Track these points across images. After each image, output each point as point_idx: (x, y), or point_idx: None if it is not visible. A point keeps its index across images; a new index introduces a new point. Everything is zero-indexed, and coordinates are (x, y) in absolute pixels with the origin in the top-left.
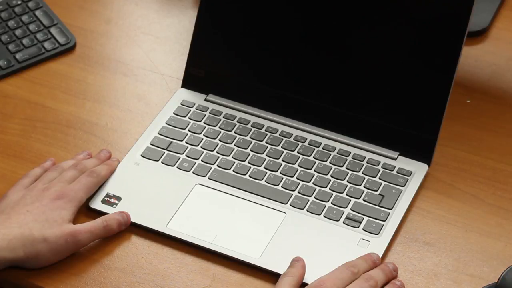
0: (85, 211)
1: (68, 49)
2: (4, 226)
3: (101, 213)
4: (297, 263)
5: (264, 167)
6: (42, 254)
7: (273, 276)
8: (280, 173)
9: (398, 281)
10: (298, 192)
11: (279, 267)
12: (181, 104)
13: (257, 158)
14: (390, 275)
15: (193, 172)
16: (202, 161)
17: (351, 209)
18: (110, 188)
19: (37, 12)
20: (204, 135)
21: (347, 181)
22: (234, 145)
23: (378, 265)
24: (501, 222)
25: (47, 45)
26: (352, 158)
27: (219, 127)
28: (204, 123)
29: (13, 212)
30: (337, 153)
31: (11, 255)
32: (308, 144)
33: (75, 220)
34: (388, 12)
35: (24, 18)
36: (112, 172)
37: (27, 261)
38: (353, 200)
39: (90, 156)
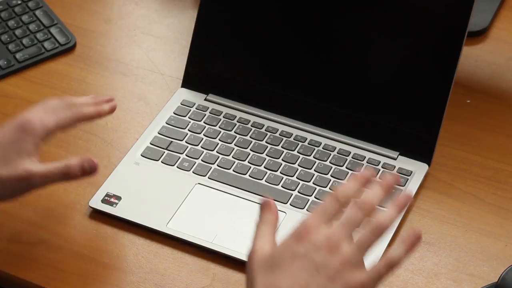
0: (85, 211)
1: (68, 49)
2: None
3: (101, 213)
4: (269, 205)
5: (264, 167)
6: None
7: None
8: (280, 172)
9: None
10: (298, 192)
11: None
12: (181, 104)
13: (257, 157)
14: (389, 187)
15: (193, 172)
16: (202, 160)
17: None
18: (110, 187)
19: (37, 12)
20: (204, 134)
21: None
22: (234, 144)
23: (371, 181)
24: (501, 222)
25: (47, 45)
26: (352, 157)
27: (219, 127)
28: (204, 122)
29: None
30: (337, 152)
31: None
32: (308, 144)
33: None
34: (388, 12)
35: (24, 18)
36: (98, 115)
37: None
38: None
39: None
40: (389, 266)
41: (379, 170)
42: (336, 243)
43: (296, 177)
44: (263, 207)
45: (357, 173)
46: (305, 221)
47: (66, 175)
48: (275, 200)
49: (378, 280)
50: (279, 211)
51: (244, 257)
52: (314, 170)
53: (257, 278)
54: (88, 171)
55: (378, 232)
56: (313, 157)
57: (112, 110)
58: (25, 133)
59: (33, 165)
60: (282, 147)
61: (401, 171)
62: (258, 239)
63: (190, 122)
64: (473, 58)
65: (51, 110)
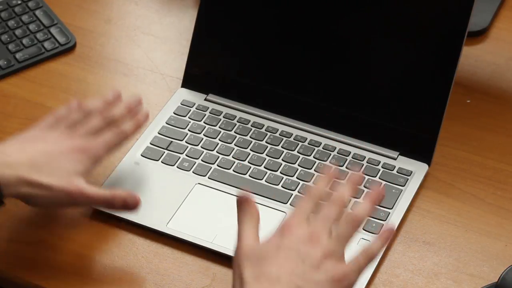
0: (85, 211)
1: (68, 49)
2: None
3: (101, 213)
4: (247, 201)
5: (264, 167)
6: (43, 199)
7: None
8: (280, 172)
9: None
10: (298, 192)
11: None
12: (181, 104)
13: (257, 157)
14: (356, 183)
15: (193, 172)
16: (202, 160)
17: (351, 209)
18: (110, 187)
19: (37, 12)
20: (204, 134)
21: None
22: (234, 144)
23: (334, 177)
24: (501, 222)
25: (47, 45)
26: (352, 157)
27: (219, 127)
28: (204, 122)
29: (31, 147)
30: (337, 152)
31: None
32: (308, 143)
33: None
34: (388, 12)
35: (24, 18)
36: (138, 129)
37: (27, 198)
38: (353, 199)
39: (119, 100)
40: (368, 258)
41: (379, 170)
42: (317, 236)
43: (296, 177)
44: (241, 202)
45: (322, 174)
46: (286, 220)
47: (109, 205)
48: (275, 200)
49: (359, 271)
50: (278, 210)
51: None
52: (314, 170)
53: (244, 271)
54: (129, 207)
55: (356, 224)
56: (313, 157)
57: (146, 118)
58: (82, 156)
59: (85, 185)
60: (282, 147)
61: (401, 171)
62: (242, 235)
63: (190, 122)
64: (473, 58)
65: (101, 138)
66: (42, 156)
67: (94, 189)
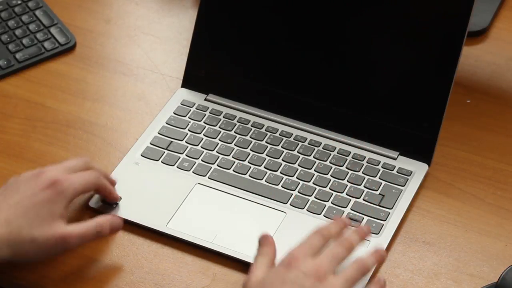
0: (84, 210)
1: (68, 49)
2: None
3: (100, 213)
4: (267, 240)
5: (264, 167)
6: (30, 254)
7: None
8: (280, 172)
9: (382, 279)
10: (298, 192)
11: None
12: (181, 104)
13: (257, 157)
14: (363, 235)
15: (193, 172)
16: (202, 160)
17: (351, 209)
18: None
19: (37, 12)
20: (204, 134)
21: (347, 181)
22: (234, 144)
23: (347, 224)
24: (501, 222)
25: (47, 45)
26: (352, 157)
27: (219, 127)
28: (204, 122)
29: (3, 203)
30: (337, 152)
31: None
32: (308, 143)
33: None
34: (389, 12)
35: (24, 18)
36: (110, 193)
37: (13, 259)
38: (353, 199)
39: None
40: None
41: (379, 170)
42: (323, 273)
43: (296, 177)
44: (262, 240)
45: (337, 217)
46: (292, 252)
47: (99, 234)
48: (275, 200)
49: None
50: (278, 210)
51: (244, 257)
52: (314, 170)
53: None
54: (115, 228)
55: (365, 271)
56: (313, 157)
57: (117, 198)
58: (57, 194)
59: (68, 227)
60: (282, 147)
61: (401, 171)
62: (255, 268)
63: (190, 122)
64: (473, 58)
65: (78, 172)
66: (17, 210)
67: (78, 226)
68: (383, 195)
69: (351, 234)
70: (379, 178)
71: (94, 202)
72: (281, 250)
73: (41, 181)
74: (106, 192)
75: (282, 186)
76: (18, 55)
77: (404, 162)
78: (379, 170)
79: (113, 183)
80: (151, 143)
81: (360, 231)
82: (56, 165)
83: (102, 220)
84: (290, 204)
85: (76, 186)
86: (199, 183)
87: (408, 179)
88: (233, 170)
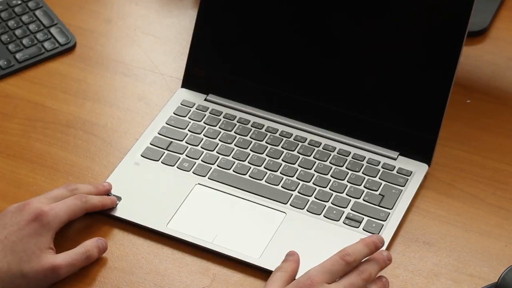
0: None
1: (68, 49)
2: None
3: (101, 213)
4: (291, 257)
5: (264, 167)
6: None
7: None
8: (280, 173)
9: (384, 277)
10: (298, 192)
11: None
12: (181, 104)
13: (257, 158)
14: (384, 265)
15: (193, 172)
16: (202, 161)
17: (351, 209)
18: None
19: (37, 12)
20: (204, 135)
21: (347, 181)
22: (234, 145)
23: (379, 248)
24: (501, 222)
25: (47, 45)
26: (352, 158)
27: (219, 127)
28: (204, 123)
29: None
30: (337, 153)
31: None
32: (308, 144)
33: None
34: (389, 12)
35: (24, 18)
36: (102, 207)
37: None
38: (353, 200)
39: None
40: None
41: (379, 170)
42: None
43: (296, 177)
44: (288, 256)
45: (367, 238)
46: (310, 273)
47: (88, 259)
48: (275, 200)
49: None
50: (278, 211)
51: (244, 258)
52: (314, 171)
53: None
54: (102, 250)
55: None
56: (313, 157)
57: (113, 203)
58: (42, 226)
59: (57, 258)
60: (282, 147)
61: (401, 171)
62: (270, 284)
63: (190, 122)
64: (473, 58)
65: (61, 201)
66: (6, 246)
67: (67, 255)
68: (383, 195)
69: (372, 265)
70: (379, 178)
71: None
72: (282, 250)
73: (26, 215)
74: (97, 209)
75: (282, 187)
76: (18, 55)
77: (404, 162)
78: (379, 170)
79: (107, 190)
80: (151, 144)
81: (381, 261)
82: (40, 196)
83: (89, 245)
84: (290, 205)
85: (61, 215)
86: (199, 184)
87: (408, 179)
88: (233, 171)
